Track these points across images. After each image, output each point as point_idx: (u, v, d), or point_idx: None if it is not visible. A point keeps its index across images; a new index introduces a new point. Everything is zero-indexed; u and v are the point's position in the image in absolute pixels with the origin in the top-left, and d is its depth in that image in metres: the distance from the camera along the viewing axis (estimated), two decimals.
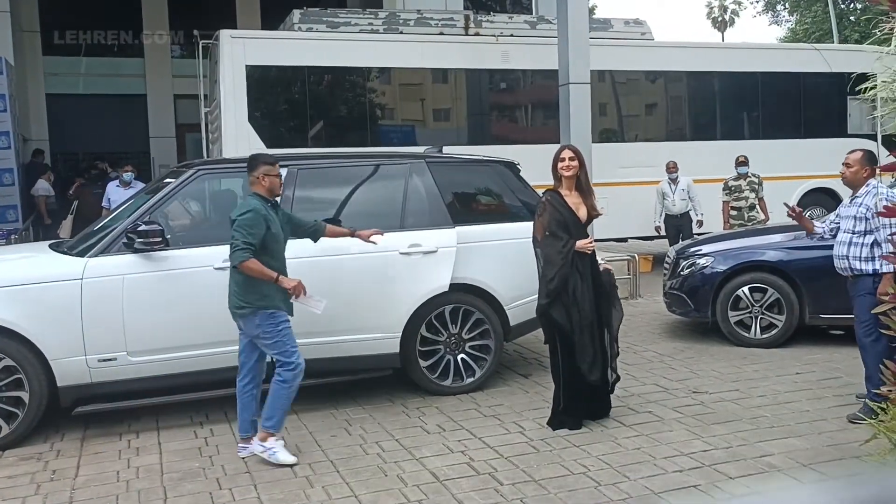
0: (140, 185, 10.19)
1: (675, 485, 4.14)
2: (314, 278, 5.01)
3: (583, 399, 5.07)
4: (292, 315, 4.68)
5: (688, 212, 11.19)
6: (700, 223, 11.13)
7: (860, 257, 5.00)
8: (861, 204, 5.06)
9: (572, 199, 5.05)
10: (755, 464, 4.39)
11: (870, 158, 5.17)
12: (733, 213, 10.50)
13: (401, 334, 5.65)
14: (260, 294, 4.54)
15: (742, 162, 10.47)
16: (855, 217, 5.07)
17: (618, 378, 5.26)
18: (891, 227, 4.80)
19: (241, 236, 4.46)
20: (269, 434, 4.61)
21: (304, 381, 4.79)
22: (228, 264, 4.62)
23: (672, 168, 11.15)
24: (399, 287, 5.63)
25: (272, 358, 4.67)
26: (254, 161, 4.76)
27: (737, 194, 10.49)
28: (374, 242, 5.21)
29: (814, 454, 4.50)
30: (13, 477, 4.52)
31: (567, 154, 5.07)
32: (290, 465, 4.50)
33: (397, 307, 5.63)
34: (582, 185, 5.10)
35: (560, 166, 5.05)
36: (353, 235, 5.21)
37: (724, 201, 10.61)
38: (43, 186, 13.09)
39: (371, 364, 5.68)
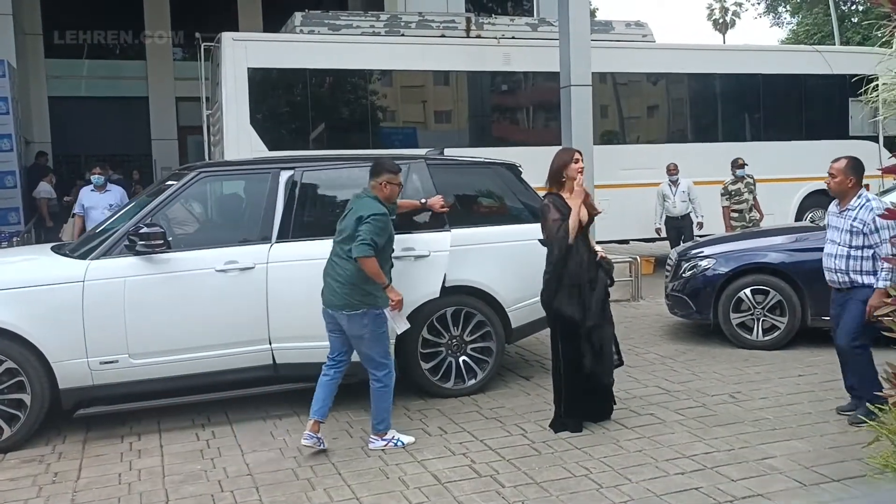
0: (117, 189, 9.72)
1: (676, 487, 4.14)
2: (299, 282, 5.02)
3: (583, 401, 5.07)
4: None
5: (688, 213, 11.20)
6: (700, 225, 11.13)
7: (861, 270, 4.92)
8: (856, 218, 4.92)
9: (573, 201, 5.05)
10: (757, 466, 4.39)
11: (854, 167, 5.00)
12: (734, 215, 10.50)
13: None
14: (372, 295, 4.69)
15: (741, 165, 10.47)
16: (850, 231, 4.94)
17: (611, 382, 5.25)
18: (889, 231, 4.77)
19: (369, 233, 4.61)
20: (384, 433, 4.85)
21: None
22: (319, 258, 4.89)
23: (672, 170, 11.16)
24: None
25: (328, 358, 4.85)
26: (379, 167, 4.92)
27: (737, 198, 10.49)
28: (446, 209, 5.66)
29: (816, 456, 4.49)
30: (15, 479, 4.52)
31: (580, 157, 5.15)
32: (413, 442, 4.84)
33: None
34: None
35: (575, 168, 5.06)
36: (423, 207, 5.61)
37: (724, 206, 10.61)
38: (45, 189, 13.11)
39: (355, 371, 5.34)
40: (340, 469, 4.51)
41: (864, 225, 4.87)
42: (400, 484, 4.27)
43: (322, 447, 4.75)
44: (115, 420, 5.40)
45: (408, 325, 5.02)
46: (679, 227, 11.21)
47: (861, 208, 4.92)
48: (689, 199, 11.13)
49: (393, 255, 4.97)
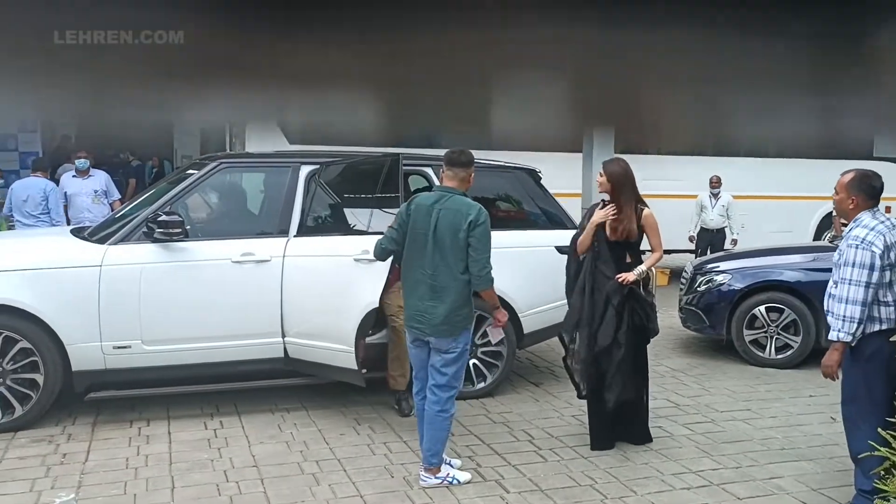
0: (101, 174, 8.95)
1: (682, 502, 4.12)
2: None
3: (607, 418, 4.86)
4: None
5: (723, 228, 11.08)
6: (734, 242, 11.00)
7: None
8: (840, 247, 3.94)
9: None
10: (764, 485, 4.36)
11: (859, 184, 3.90)
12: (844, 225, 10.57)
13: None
14: (472, 310, 4.33)
15: None
16: (835, 263, 3.97)
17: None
18: (861, 272, 3.76)
19: (488, 251, 4.15)
20: (437, 468, 4.31)
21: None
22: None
23: (715, 183, 11.05)
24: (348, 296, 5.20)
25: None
26: (467, 157, 4.33)
27: None
28: None
29: (824, 479, 4.46)
30: (24, 458, 4.57)
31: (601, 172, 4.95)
32: (469, 482, 4.28)
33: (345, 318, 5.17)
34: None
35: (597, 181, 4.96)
36: None
37: (834, 216, 10.70)
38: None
39: (334, 374, 5.32)
40: (345, 465, 4.52)
41: (839, 256, 3.90)
42: (404, 484, 4.28)
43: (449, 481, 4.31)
44: (125, 405, 5.45)
45: (503, 335, 4.99)
46: (712, 241, 11.10)
47: (848, 235, 3.90)
48: (727, 215, 11.01)
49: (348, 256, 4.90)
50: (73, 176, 8.85)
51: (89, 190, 8.71)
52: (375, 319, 5.32)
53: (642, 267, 4.80)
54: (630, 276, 4.71)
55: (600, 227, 4.79)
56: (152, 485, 4.23)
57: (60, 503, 3.95)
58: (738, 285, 7.14)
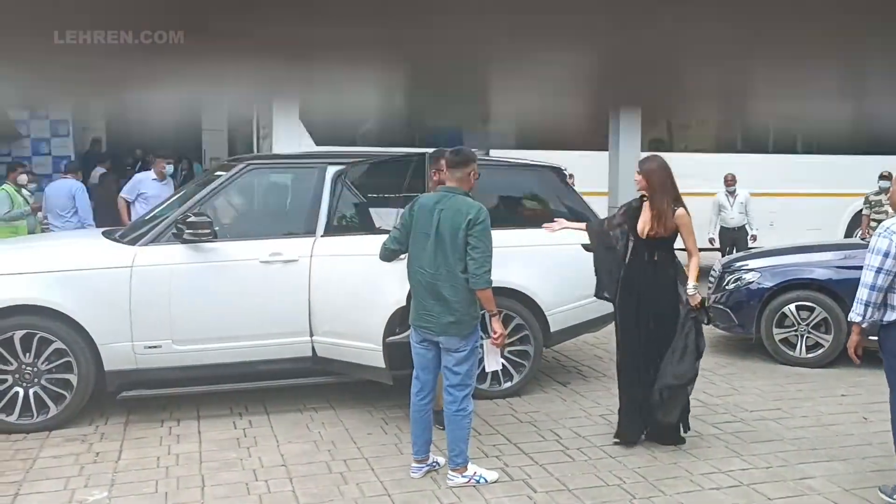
0: (171, 182, 9.49)
1: (711, 502, 4.09)
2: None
3: (636, 413, 4.86)
4: None
5: (744, 225, 11.01)
6: (754, 238, 10.93)
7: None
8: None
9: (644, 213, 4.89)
10: (795, 486, 4.31)
11: None
12: (874, 224, 10.47)
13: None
14: (478, 309, 4.28)
15: (885, 177, 10.42)
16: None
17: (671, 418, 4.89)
18: (880, 258, 3.97)
19: (487, 250, 4.10)
20: (463, 467, 4.30)
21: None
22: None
23: (730, 181, 10.97)
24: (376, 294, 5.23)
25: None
26: (463, 156, 4.31)
27: (877, 208, 10.47)
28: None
29: (857, 479, 4.40)
30: (59, 457, 4.65)
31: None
32: (496, 481, 4.28)
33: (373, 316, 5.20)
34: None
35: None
36: None
37: (864, 214, 10.61)
38: (102, 174, 13.40)
39: (362, 373, 5.32)
40: (373, 465, 4.54)
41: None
42: (432, 483, 4.29)
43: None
44: (156, 404, 5.52)
45: (500, 366, 4.81)
46: (734, 239, 11.02)
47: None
48: (746, 212, 10.94)
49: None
50: (154, 179, 9.23)
51: (165, 194, 9.00)
52: (402, 318, 5.33)
53: (692, 283, 4.79)
54: (697, 298, 4.76)
55: (633, 225, 4.83)
56: (183, 483, 4.28)
57: (94, 501, 4.02)
58: (768, 283, 7.06)
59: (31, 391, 5.04)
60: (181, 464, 4.57)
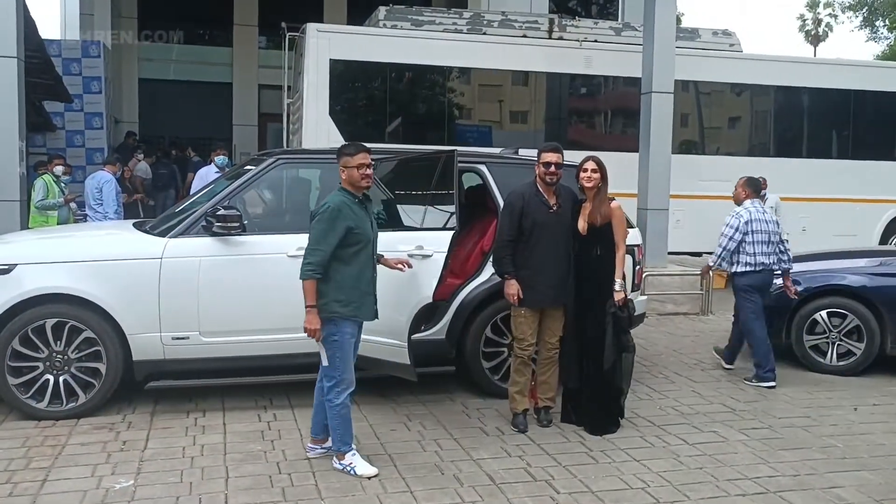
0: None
1: None
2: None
3: (571, 397, 5.30)
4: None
5: None
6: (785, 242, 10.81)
7: None
8: None
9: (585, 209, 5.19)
10: (823, 495, 4.24)
11: None
12: None
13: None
14: (326, 301, 4.36)
15: None
16: None
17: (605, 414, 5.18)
18: None
19: (313, 243, 4.28)
20: (340, 454, 4.43)
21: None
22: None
23: (762, 185, 10.85)
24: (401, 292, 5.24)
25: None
26: (337, 151, 4.52)
27: None
28: (401, 269, 4.90)
29: (887, 490, 4.31)
30: (86, 444, 4.70)
31: (590, 165, 5.16)
32: (370, 477, 4.29)
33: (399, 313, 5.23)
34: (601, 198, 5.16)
35: (581, 177, 5.16)
36: (379, 261, 4.75)
37: None
38: (142, 168, 13.58)
39: (387, 369, 5.28)
40: (396, 461, 4.54)
41: None
42: (454, 481, 4.28)
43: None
44: (183, 395, 5.57)
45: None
46: None
47: None
48: (776, 216, 10.81)
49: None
50: (216, 172, 9.94)
51: None
52: (428, 314, 5.34)
53: (618, 280, 5.08)
54: (620, 295, 5.07)
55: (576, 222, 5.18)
56: (207, 474, 4.31)
57: (120, 489, 4.07)
58: (799, 289, 6.95)
59: (61, 378, 5.11)
60: (206, 454, 4.60)
